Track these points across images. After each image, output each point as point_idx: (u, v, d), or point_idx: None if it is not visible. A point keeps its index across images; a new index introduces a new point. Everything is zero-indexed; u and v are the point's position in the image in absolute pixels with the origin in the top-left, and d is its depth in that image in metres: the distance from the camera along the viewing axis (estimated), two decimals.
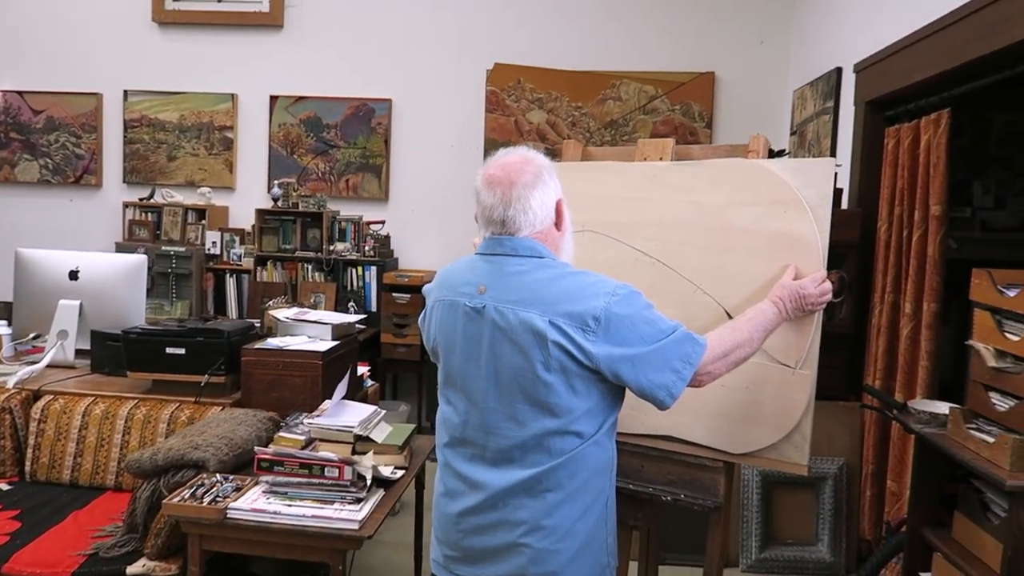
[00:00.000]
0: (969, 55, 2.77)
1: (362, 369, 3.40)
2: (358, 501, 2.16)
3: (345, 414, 2.48)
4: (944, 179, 2.93)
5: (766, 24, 4.99)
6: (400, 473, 2.41)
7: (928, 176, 3.01)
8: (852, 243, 3.47)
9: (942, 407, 1.95)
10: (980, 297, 1.76)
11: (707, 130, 4.98)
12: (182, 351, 2.89)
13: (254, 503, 2.13)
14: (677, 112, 5.02)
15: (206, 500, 2.13)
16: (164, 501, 2.15)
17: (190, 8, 5.27)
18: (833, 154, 3.96)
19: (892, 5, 3.43)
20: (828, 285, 1.77)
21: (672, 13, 5.03)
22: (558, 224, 1.63)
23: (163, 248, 4.96)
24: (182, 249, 4.97)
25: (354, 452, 2.36)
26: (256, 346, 2.92)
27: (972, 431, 1.71)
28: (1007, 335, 1.67)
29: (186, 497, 2.15)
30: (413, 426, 2.68)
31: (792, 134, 4.69)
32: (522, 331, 1.51)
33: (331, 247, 4.99)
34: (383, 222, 5.14)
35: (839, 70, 3.97)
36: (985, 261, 2.02)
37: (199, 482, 2.23)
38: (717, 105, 5.03)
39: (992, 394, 1.70)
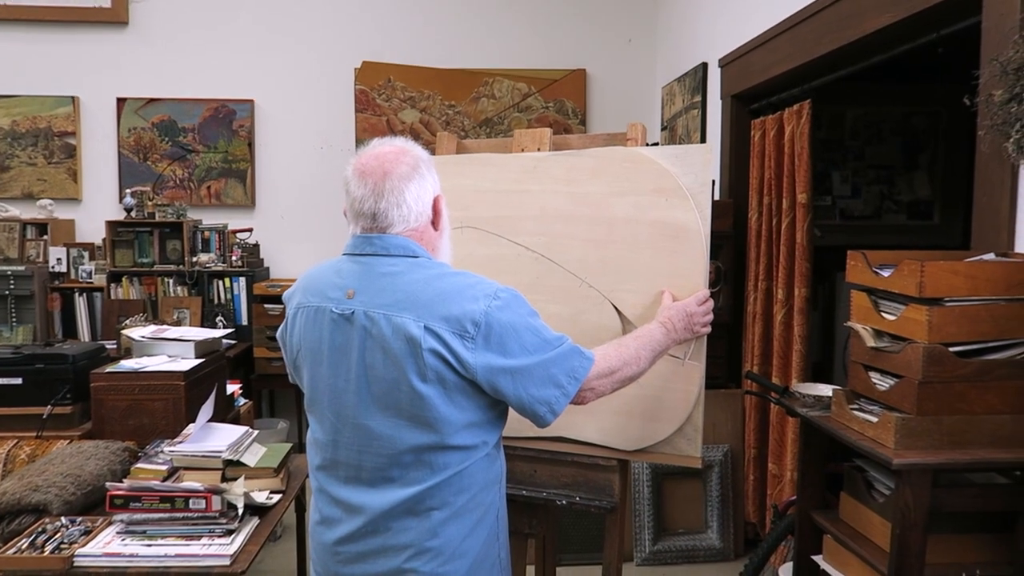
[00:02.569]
0: (824, 48, 2.87)
1: (232, 387, 3.16)
2: (229, 533, 1.96)
3: (212, 438, 2.27)
4: (808, 168, 3.02)
5: (633, 21, 5.07)
6: (277, 497, 2.22)
7: (793, 166, 3.11)
8: (726, 233, 3.55)
9: (825, 389, 1.98)
10: (856, 278, 1.79)
11: (581, 127, 5.01)
12: (18, 381, 2.58)
13: (107, 546, 1.89)
14: (551, 109, 5.01)
15: (48, 548, 1.87)
16: None
17: (16, 3, 4.77)
18: None
19: (753, 1, 3.52)
20: (711, 303, 1.73)
21: (540, 10, 5.03)
22: (435, 222, 1.50)
23: None
24: (21, 268, 4.49)
25: (224, 479, 2.15)
26: (108, 370, 2.64)
27: (855, 411, 1.73)
28: (883, 314, 1.70)
29: (24, 547, 1.88)
30: (290, 445, 2.49)
31: (663, 129, 4.78)
32: (395, 338, 1.36)
33: (194, 259, 4.66)
34: (250, 230, 4.85)
35: (704, 65, 4.07)
36: (845, 247, 2.07)
37: (40, 528, 1.97)
38: (590, 102, 5.07)
39: (872, 374, 1.72)
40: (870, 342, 1.71)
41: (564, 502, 1.88)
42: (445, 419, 1.38)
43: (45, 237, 4.68)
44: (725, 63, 3.76)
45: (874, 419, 1.64)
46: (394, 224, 1.44)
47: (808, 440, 2.00)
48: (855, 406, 1.75)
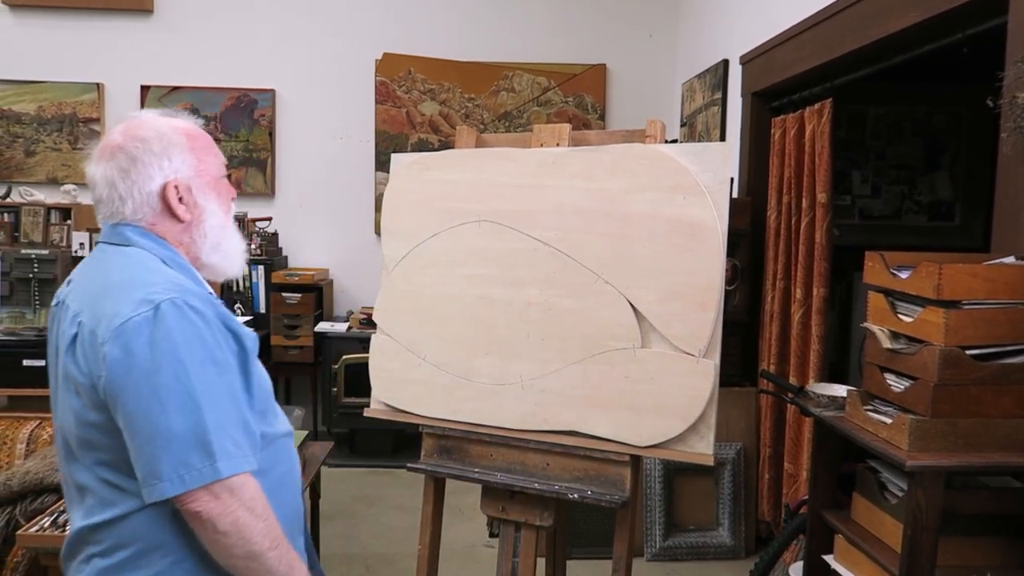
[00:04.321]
0: (847, 47, 2.85)
1: None
2: None
3: None
4: (829, 167, 3.01)
5: (655, 17, 5.05)
6: None
7: (814, 165, 3.09)
8: (743, 231, 3.54)
9: (840, 390, 1.98)
10: (873, 280, 1.78)
11: (600, 122, 5.00)
12: (42, 363, 2.61)
13: None
14: (571, 104, 5.01)
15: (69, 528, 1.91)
16: (19, 532, 1.92)
17: None
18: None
19: None
20: None
21: (561, 4, 5.02)
22: (174, 214, 1.27)
23: (23, 251, 4.53)
24: (45, 252, 4.56)
25: None
26: None
27: (870, 412, 1.73)
28: (900, 316, 1.70)
29: (46, 526, 1.92)
30: (305, 432, 2.53)
31: (682, 126, 4.76)
32: (65, 334, 1.19)
33: None
34: (270, 219, 4.90)
35: (726, 62, 4.05)
36: (863, 247, 2.06)
37: (61, 507, 2.00)
38: (609, 97, 5.06)
39: (888, 375, 1.72)
40: (886, 344, 1.70)
41: (576, 496, 1.89)
42: (97, 441, 1.17)
43: (69, 222, 4.74)
44: (746, 60, 3.75)
45: (888, 420, 1.64)
46: (110, 216, 1.26)
47: (822, 440, 2.00)
48: (869, 407, 1.75)
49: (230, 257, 1.36)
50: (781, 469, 3.31)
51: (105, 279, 1.21)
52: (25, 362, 2.62)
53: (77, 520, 1.22)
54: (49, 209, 4.75)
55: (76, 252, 4.71)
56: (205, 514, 1.11)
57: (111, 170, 1.24)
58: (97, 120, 4.93)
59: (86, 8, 4.85)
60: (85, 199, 4.90)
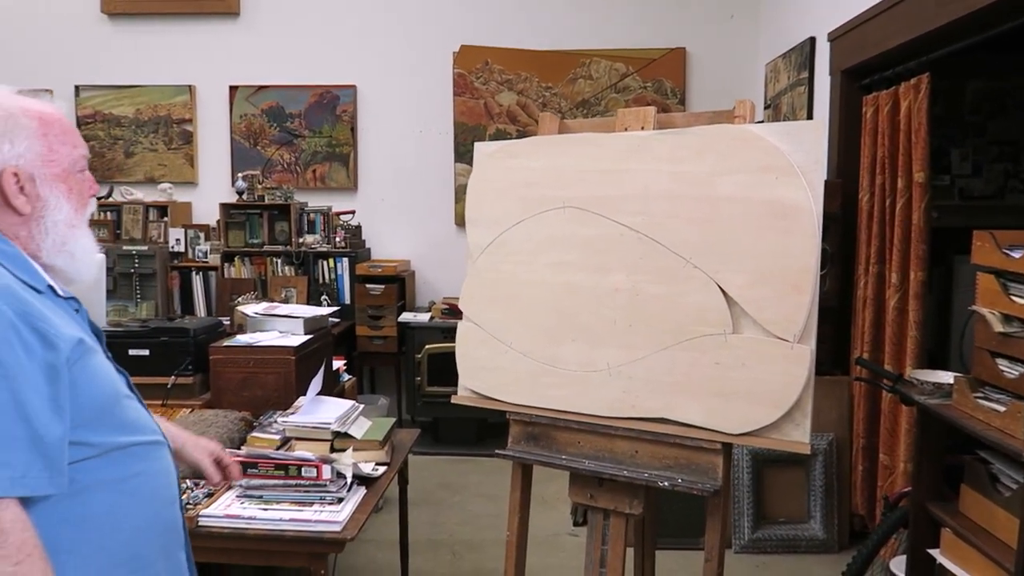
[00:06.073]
0: (945, 18, 2.71)
1: (337, 363, 3.28)
2: (339, 501, 2.04)
3: (321, 410, 2.37)
4: (926, 145, 2.87)
5: None
6: (382, 469, 2.30)
7: (910, 143, 2.96)
8: (834, 215, 3.41)
9: (945, 376, 1.88)
10: (983, 260, 1.69)
11: (680, 107, 4.91)
12: (146, 352, 2.76)
13: (227, 509, 2.00)
14: (649, 89, 4.93)
15: None
16: None
17: None
18: None
19: None
20: None
21: None
22: (12, 205, 1.15)
23: (124, 248, 4.77)
24: (144, 248, 4.78)
25: (332, 450, 2.25)
26: (225, 344, 2.78)
27: (980, 400, 1.64)
28: (1014, 298, 1.60)
29: None
30: (393, 420, 2.58)
31: (766, 107, 4.62)
32: None
33: (300, 240, 4.84)
34: (353, 212, 5.01)
35: (812, 40, 3.91)
36: (963, 229, 1.96)
37: None
38: (689, 81, 4.95)
39: (1000, 361, 1.63)
40: (998, 327, 1.61)
41: (666, 484, 1.86)
42: None
43: (166, 219, 4.97)
44: (835, 37, 3.60)
45: (1001, 408, 1.56)
46: None
47: (925, 429, 1.92)
48: (980, 394, 1.66)
49: (77, 259, 1.22)
50: (876, 461, 3.19)
51: None
52: (131, 351, 2.75)
53: None
54: (147, 207, 4.99)
55: (173, 248, 4.93)
56: None
57: None
58: (190, 121, 5.13)
59: (177, 13, 5.06)
60: (181, 197, 5.12)
